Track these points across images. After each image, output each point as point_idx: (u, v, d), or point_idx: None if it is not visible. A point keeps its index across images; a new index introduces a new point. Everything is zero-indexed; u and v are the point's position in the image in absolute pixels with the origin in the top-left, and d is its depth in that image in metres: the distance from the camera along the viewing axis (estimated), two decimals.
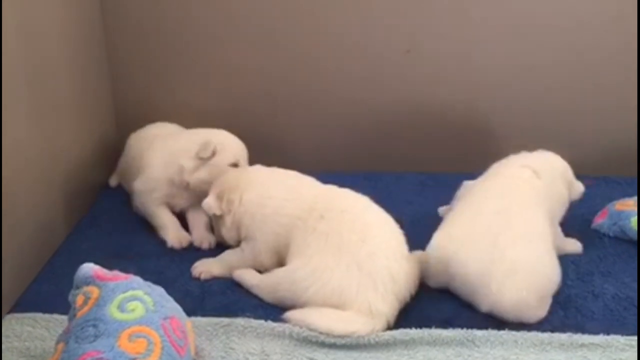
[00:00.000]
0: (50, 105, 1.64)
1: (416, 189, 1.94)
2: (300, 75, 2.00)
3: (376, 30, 1.94)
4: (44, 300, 1.39)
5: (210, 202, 1.52)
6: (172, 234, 1.64)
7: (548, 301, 1.38)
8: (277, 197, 1.46)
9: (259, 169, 1.59)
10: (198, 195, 1.62)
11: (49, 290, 1.42)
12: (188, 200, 1.68)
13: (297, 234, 1.40)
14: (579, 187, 1.65)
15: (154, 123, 1.88)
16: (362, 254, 1.32)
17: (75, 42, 1.79)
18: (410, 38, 1.94)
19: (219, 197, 1.52)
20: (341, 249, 1.33)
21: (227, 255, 1.50)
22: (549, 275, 1.39)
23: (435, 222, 1.71)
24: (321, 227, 1.37)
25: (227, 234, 1.52)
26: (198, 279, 1.48)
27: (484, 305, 1.35)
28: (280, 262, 1.44)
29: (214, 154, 1.63)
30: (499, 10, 1.90)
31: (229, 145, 1.66)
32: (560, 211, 1.59)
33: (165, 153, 1.68)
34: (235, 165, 1.64)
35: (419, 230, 1.68)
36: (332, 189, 1.50)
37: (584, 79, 1.96)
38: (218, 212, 1.52)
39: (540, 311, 1.36)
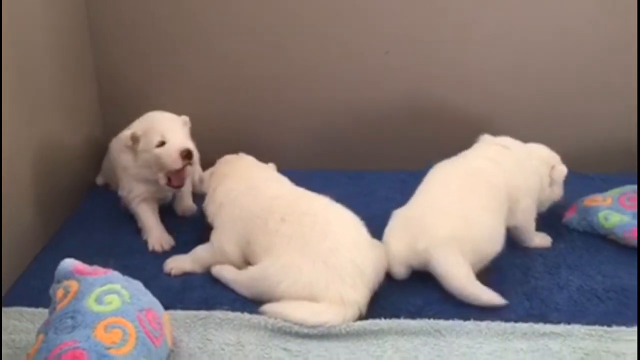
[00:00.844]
0: (37, 105, 1.68)
1: (397, 187, 1.99)
2: (284, 76, 2.05)
3: (357, 32, 1.98)
4: (30, 295, 1.44)
5: (205, 176, 1.64)
6: (155, 236, 1.67)
7: (477, 265, 1.46)
8: (239, 190, 1.54)
9: (243, 159, 1.67)
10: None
11: (35, 286, 1.47)
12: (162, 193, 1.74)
13: (260, 235, 1.47)
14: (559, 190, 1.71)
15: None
16: (326, 250, 1.38)
17: (60, 41, 1.83)
18: (389, 40, 1.99)
19: (211, 175, 1.63)
20: (305, 248, 1.39)
21: (197, 250, 1.56)
22: (485, 237, 1.48)
23: None
24: (283, 230, 1.43)
25: (208, 215, 1.60)
26: (178, 275, 1.54)
27: (421, 243, 1.44)
28: (246, 260, 1.51)
29: (136, 141, 1.65)
30: (475, 13, 1.95)
31: (153, 127, 1.65)
32: (529, 191, 1.61)
33: (115, 158, 1.74)
34: (162, 143, 1.62)
35: None
36: (293, 191, 1.57)
37: (560, 79, 2.01)
38: (205, 189, 1.62)
39: (464, 269, 1.42)
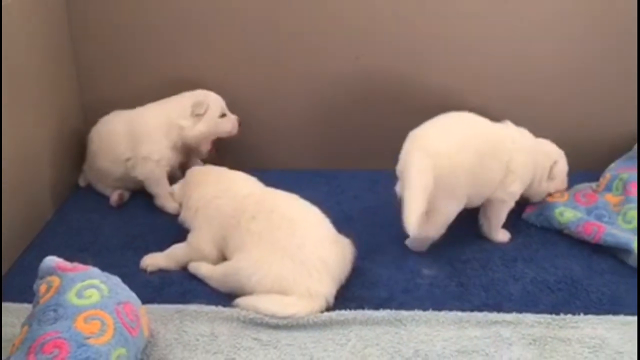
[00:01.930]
0: (19, 106, 1.71)
1: (367, 186, 2.09)
2: (261, 77, 2.10)
3: (328, 39, 2.07)
4: (16, 292, 1.52)
5: (175, 189, 1.74)
6: (171, 203, 1.86)
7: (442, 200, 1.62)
8: (209, 194, 1.63)
9: (216, 168, 1.74)
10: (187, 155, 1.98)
11: (20, 283, 1.55)
12: (177, 161, 1.97)
13: (233, 233, 1.56)
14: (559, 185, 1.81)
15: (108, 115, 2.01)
16: (293, 246, 1.48)
17: (41, 43, 1.87)
18: (359, 46, 2.07)
19: (182, 187, 1.71)
20: (274, 245, 1.48)
21: (173, 248, 1.64)
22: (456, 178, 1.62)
23: (381, 216, 1.88)
24: (253, 227, 1.53)
25: (182, 220, 1.69)
26: (154, 271, 1.62)
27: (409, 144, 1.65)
28: (222, 256, 1.60)
29: (207, 110, 1.90)
30: (442, 20, 2.03)
31: (214, 100, 1.94)
32: (523, 178, 1.71)
33: (161, 120, 1.90)
34: (223, 115, 1.95)
35: (366, 223, 1.86)
36: (264, 191, 1.66)
37: (526, 84, 2.08)
38: (178, 200, 1.72)
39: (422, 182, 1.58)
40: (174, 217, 1.76)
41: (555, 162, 1.80)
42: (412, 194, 1.55)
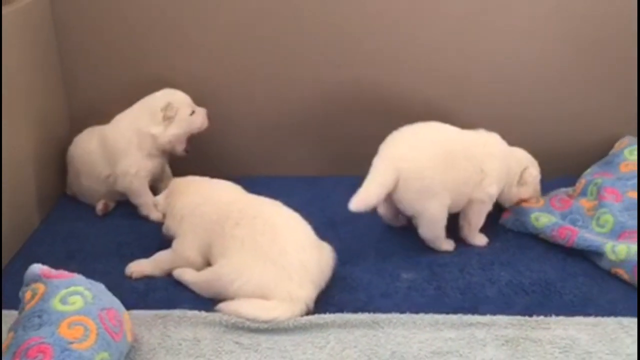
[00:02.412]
0: (6, 116, 1.74)
1: (350, 192, 2.11)
2: (244, 84, 2.14)
3: (312, 47, 2.10)
4: (4, 299, 1.55)
5: (159, 200, 1.76)
6: (156, 212, 1.87)
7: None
8: (194, 201, 1.67)
9: (199, 178, 1.78)
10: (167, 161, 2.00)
11: (8, 290, 1.57)
12: (160, 168, 1.98)
13: (217, 239, 1.60)
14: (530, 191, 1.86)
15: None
16: (275, 251, 1.51)
17: (30, 55, 1.91)
18: (342, 54, 2.11)
19: (166, 197, 1.74)
20: (256, 250, 1.52)
21: (158, 255, 1.68)
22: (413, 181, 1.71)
23: (363, 222, 1.92)
24: (237, 233, 1.56)
25: (167, 230, 1.73)
26: (139, 277, 1.66)
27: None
28: (207, 262, 1.63)
29: (177, 110, 1.90)
30: (422, 29, 2.08)
31: (182, 99, 1.94)
32: (498, 181, 1.79)
33: (132, 133, 1.90)
34: (192, 112, 1.94)
35: (348, 228, 1.90)
36: (247, 197, 1.70)
37: (511, 80, 2.12)
38: (161, 210, 1.75)
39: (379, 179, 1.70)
40: (160, 224, 1.79)
41: (525, 168, 1.85)
42: (366, 183, 1.69)
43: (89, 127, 2.04)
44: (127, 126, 1.92)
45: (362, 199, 1.65)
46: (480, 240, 1.81)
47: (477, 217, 1.80)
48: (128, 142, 1.90)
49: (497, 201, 1.84)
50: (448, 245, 1.79)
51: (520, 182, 1.85)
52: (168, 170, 2.06)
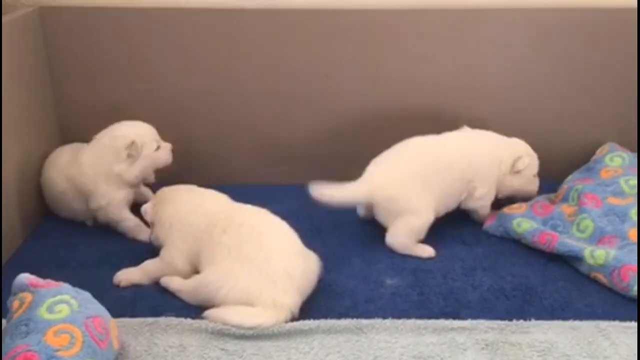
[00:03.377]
0: None
1: None
2: (230, 95, 2.17)
3: (298, 57, 2.15)
4: None
5: (147, 209, 1.76)
6: (145, 231, 1.89)
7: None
8: (183, 210, 1.70)
9: (187, 186, 1.80)
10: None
11: None
12: (133, 192, 1.96)
13: (205, 247, 1.62)
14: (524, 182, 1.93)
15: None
16: (260, 259, 1.54)
17: (20, 76, 1.94)
18: (328, 64, 2.16)
19: (154, 206, 1.76)
20: (242, 257, 1.55)
21: (146, 264, 1.70)
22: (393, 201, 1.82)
23: (350, 229, 1.96)
24: (224, 240, 1.59)
25: (154, 238, 1.75)
26: (127, 286, 1.68)
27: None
28: (194, 270, 1.66)
29: (142, 147, 1.87)
30: (404, 41, 2.13)
31: (146, 135, 1.91)
32: (487, 180, 1.88)
33: (97, 172, 1.88)
34: (158, 148, 1.92)
35: (335, 235, 1.94)
36: (234, 206, 1.72)
37: (496, 87, 2.17)
38: (149, 219, 1.76)
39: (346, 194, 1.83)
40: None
41: (518, 157, 1.90)
42: (339, 188, 1.81)
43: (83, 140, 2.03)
44: (91, 166, 1.89)
45: (327, 194, 1.78)
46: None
47: (481, 216, 1.93)
48: (94, 182, 1.88)
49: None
50: (422, 251, 1.81)
51: (513, 170, 1.90)
52: (145, 188, 2.04)
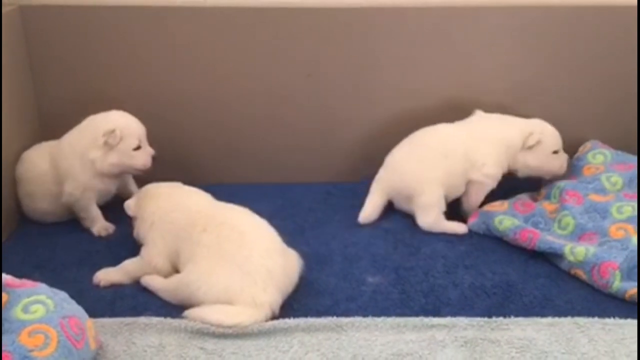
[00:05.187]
0: None
1: (321, 198, 2.16)
2: (214, 91, 2.16)
3: (281, 57, 2.15)
4: None
5: (130, 204, 1.76)
6: (100, 224, 1.91)
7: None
8: (164, 208, 1.69)
9: (171, 184, 1.80)
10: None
11: None
12: (118, 186, 1.95)
13: (185, 246, 1.62)
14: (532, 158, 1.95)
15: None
16: (240, 257, 1.54)
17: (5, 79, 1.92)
18: (311, 64, 2.16)
19: (137, 201, 1.76)
20: (222, 256, 1.55)
21: (125, 263, 1.70)
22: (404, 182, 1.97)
23: (332, 227, 1.96)
24: (204, 239, 1.59)
25: (136, 234, 1.75)
26: (107, 286, 1.67)
27: None
28: (175, 269, 1.66)
29: (120, 139, 1.82)
30: (386, 42, 2.13)
31: (130, 129, 1.85)
32: (493, 158, 1.93)
33: (73, 155, 1.85)
34: (138, 147, 1.85)
35: (317, 234, 1.93)
36: (215, 204, 1.72)
37: (487, 82, 2.16)
38: (132, 214, 1.76)
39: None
40: (129, 234, 1.80)
41: (530, 134, 1.92)
42: (366, 202, 1.99)
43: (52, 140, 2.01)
44: (69, 147, 1.87)
45: (366, 216, 1.97)
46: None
47: (475, 196, 1.94)
48: (70, 165, 1.85)
49: (512, 175, 1.98)
50: (458, 227, 1.91)
51: (525, 147, 1.92)
52: (132, 185, 2.01)
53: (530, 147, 1.93)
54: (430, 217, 1.89)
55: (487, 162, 1.92)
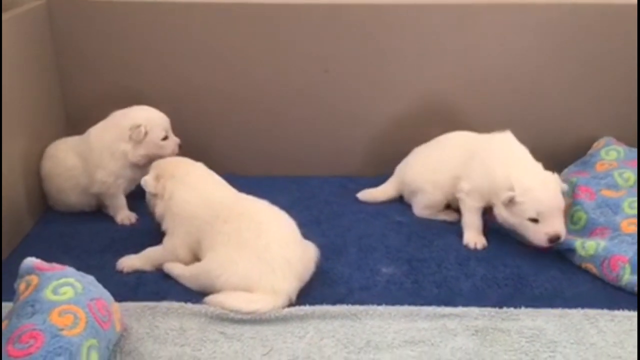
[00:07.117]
0: (6, 129, 1.81)
1: (337, 191, 2.21)
2: (233, 90, 2.22)
3: (299, 53, 2.19)
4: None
5: (148, 180, 1.79)
6: (125, 213, 1.99)
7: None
8: (193, 202, 1.73)
9: (195, 168, 1.82)
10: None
11: (5, 284, 1.64)
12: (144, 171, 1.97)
13: (206, 235, 1.68)
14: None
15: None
16: (259, 246, 1.59)
17: (29, 74, 1.99)
18: (328, 60, 2.20)
19: (157, 178, 1.79)
20: (241, 245, 1.60)
21: (148, 251, 1.76)
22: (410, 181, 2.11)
23: (347, 219, 2.00)
24: (225, 229, 1.64)
25: (158, 214, 1.79)
26: (130, 272, 1.73)
27: None
28: (195, 258, 1.71)
29: (146, 134, 1.91)
30: (402, 38, 2.16)
31: (155, 122, 1.95)
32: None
33: (102, 147, 1.93)
34: (165, 138, 1.96)
35: (332, 225, 1.98)
36: (237, 196, 1.77)
37: (495, 82, 2.20)
38: (153, 191, 1.79)
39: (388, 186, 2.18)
40: (151, 222, 1.87)
41: (509, 190, 1.76)
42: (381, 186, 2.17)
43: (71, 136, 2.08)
44: (97, 141, 1.94)
45: (367, 194, 2.14)
46: (468, 238, 1.86)
47: (463, 215, 1.91)
48: (100, 156, 1.93)
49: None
50: (446, 215, 2.02)
51: (500, 203, 1.78)
52: None
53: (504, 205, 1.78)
54: (424, 214, 2.04)
55: (467, 179, 1.91)
